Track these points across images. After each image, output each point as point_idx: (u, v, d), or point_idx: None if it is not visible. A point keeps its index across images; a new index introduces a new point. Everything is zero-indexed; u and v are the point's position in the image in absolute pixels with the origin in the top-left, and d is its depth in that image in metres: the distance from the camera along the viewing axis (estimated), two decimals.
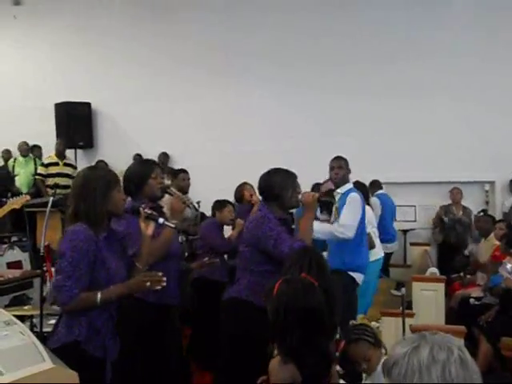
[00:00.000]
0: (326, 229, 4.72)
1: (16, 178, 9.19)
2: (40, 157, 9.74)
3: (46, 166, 9.12)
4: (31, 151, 9.75)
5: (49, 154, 9.42)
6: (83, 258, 2.65)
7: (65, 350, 2.65)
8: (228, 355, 3.59)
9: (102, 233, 2.79)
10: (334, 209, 4.98)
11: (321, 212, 4.87)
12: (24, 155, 9.51)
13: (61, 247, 2.72)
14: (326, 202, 4.28)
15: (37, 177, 9.17)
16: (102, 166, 2.72)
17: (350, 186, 5.05)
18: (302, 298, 2.43)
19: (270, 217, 3.55)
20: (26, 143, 9.52)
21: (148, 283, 2.74)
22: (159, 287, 2.77)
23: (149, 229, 3.02)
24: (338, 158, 5.07)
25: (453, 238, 8.13)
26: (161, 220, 3.11)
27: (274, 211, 3.61)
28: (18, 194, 7.33)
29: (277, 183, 3.61)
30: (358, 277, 4.96)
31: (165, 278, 2.78)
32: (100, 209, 2.76)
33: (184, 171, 6.44)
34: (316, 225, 4.30)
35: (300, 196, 3.69)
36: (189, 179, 6.51)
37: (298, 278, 2.64)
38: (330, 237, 4.75)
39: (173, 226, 3.25)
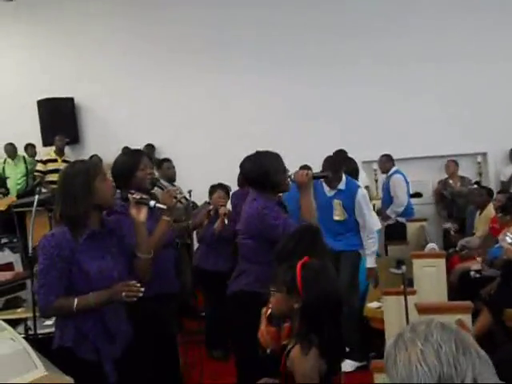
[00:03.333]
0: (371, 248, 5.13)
1: (7, 180, 9.01)
2: (34, 155, 9.54)
3: (45, 162, 8.99)
4: (25, 150, 9.55)
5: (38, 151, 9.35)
6: (54, 264, 2.56)
7: (59, 352, 2.63)
8: (242, 348, 3.45)
9: (84, 233, 2.65)
10: (338, 206, 5.07)
11: None
12: (12, 157, 9.25)
13: (37, 253, 2.66)
14: (321, 178, 4.21)
15: (36, 173, 9.02)
16: (79, 161, 2.55)
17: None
18: (331, 284, 2.34)
19: (270, 205, 3.39)
20: (10, 144, 9.26)
21: (124, 293, 2.60)
22: (134, 299, 2.62)
23: (141, 214, 2.86)
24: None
25: (455, 212, 7.99)
26: (152, 203, 2.94)
27: (270, 198, 3.45)
28: (6, 195, 7.21)
29: (271, 168, 3.41)
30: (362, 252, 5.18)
31: (142, 289, 2.63)
32: (81, 207, 2.62)
33: (167, 160, 6.27)
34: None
35: (292, 176, 3.49)
36: (174, 167, 6.37)
37: (320, 263, 2.47)
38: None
39: (165, 207, 3.10)
